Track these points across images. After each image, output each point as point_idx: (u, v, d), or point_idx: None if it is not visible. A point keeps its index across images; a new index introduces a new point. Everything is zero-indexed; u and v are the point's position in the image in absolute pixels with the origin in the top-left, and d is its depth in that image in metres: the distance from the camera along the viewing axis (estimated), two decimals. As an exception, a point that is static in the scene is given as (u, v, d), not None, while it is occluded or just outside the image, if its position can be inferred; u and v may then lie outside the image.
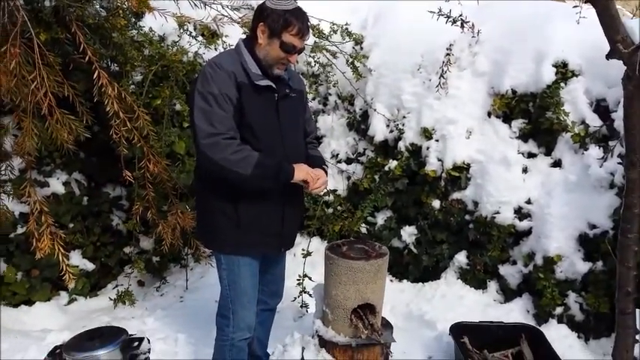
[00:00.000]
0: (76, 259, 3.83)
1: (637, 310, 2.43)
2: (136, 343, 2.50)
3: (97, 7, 3.28)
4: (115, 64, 3.42)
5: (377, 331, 2.61)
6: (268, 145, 2.28)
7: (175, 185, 3.53)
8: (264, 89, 2.27)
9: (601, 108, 3.39)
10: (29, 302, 3.63)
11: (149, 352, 2.63)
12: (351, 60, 4.09)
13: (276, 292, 2.82)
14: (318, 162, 2.54)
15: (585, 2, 2.04)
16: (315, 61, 4.27)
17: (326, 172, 2.51)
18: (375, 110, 4.05)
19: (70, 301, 3.82)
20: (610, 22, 1.99)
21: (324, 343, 2.73)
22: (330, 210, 4.25)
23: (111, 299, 3.69)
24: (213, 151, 2.13)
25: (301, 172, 2.30)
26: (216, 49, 3.84)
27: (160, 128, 3.48)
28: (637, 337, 2.41)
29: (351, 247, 2.78)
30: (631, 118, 2.07)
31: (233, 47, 2.39)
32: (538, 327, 3.27)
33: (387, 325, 2.91)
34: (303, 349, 2.81)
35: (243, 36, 3.81)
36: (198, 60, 3.75)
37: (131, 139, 3.12)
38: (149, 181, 3.30)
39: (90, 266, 3.89)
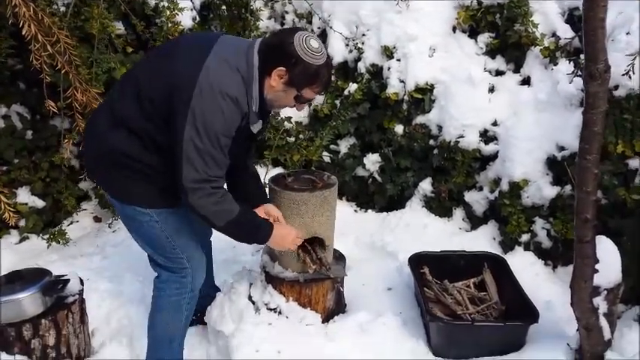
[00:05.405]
0: (25, 196, 3.65)
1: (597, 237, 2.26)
2: (61, 285, 2.34)
3: None
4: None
5: (325, 265, 2.53)
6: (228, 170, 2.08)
7: (110, 115, 3.26)
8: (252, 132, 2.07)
9: (574, 18, 3.11)
10: (-26, 242, 3.46)
11: (81, 294, 2.48)
12: (306, -28, 3.73)
13: None
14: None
15: None
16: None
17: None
18: (332, 29, 3.74)
19: (22, 240, 3.66)
20: None
21: (271, 279, 2.62)
22: (292, 139, 4.01)
23: (43, 239, 3.52)
24: (194, 195, 1.93)
25: (285, 241, 2.30)
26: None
27: (94, 54, 3.18)
28: (596, 266, 2.26)
29: (297, 177, 2.66)
30: (590, 22, 1.81)
31: (244, 51, 1.94)
32: (502, 255, 3.14)
33: (339, 258, 2.82)
34: (250, 285, 2.69)
35: None
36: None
37: (55, 65, 2.83)
38: (78, 112, 3.03)
39: (40, 203, 3.71)
